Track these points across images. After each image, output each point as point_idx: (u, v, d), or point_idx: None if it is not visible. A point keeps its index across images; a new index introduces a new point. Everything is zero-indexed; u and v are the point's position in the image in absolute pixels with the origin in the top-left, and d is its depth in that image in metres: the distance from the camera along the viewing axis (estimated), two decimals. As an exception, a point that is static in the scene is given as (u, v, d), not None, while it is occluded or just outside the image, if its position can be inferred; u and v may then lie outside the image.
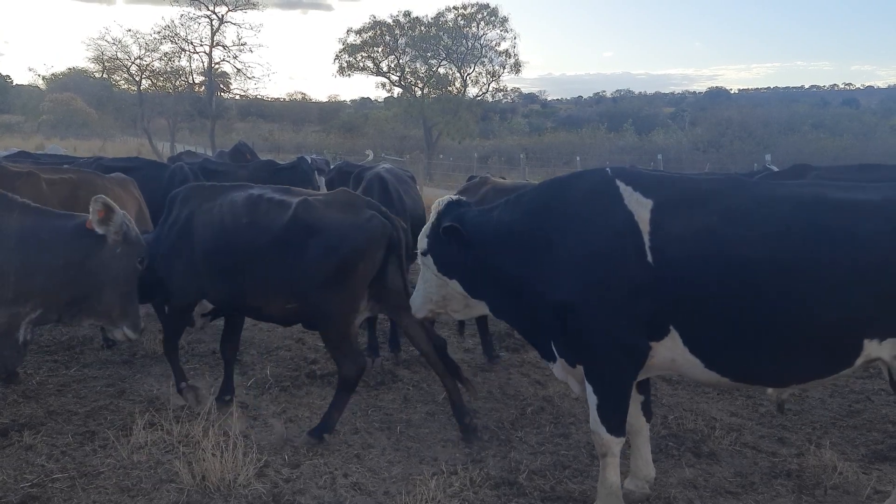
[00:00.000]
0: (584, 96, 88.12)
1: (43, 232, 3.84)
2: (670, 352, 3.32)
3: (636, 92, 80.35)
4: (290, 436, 4.57)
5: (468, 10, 36.16)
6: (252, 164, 11.14)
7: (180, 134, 37.38)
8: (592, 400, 3.48)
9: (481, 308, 3.91)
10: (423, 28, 36.39)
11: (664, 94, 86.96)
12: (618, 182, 3.38)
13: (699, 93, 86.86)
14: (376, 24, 37.05)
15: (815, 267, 3.04)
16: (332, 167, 12.50)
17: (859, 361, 3.17)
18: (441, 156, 34.66)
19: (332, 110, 61.62)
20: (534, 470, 4.15)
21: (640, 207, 3.28)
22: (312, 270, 4.31)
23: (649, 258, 3.21)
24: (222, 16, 32.36)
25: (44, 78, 45.73)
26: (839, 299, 3.05)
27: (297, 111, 61.83)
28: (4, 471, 3.95)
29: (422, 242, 3.87)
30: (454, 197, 3.94)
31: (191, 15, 32.13)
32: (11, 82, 69.72)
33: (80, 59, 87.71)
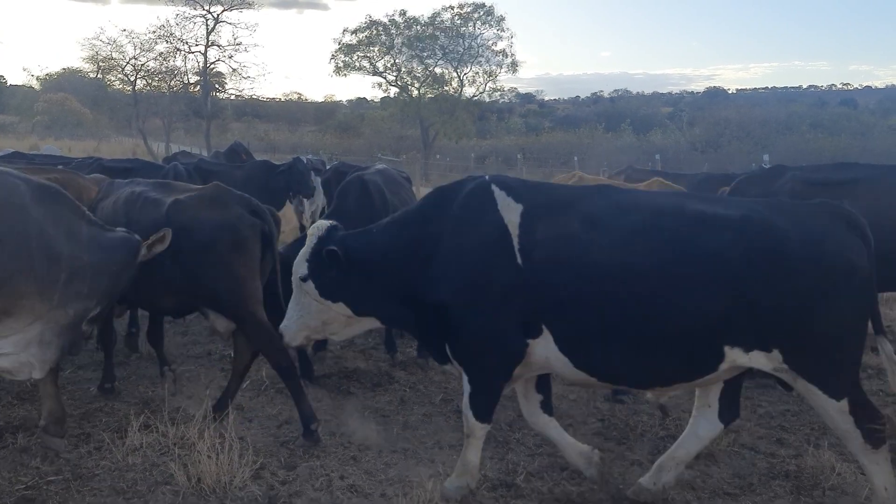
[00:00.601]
0: (582, 96, 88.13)
1: (103, 240, 4.08)
2: (545, 350, 3.49)
3: (634, 92, 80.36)
4: (286, 438, 4.55)
5: (464, 10, 36.18)
6: (248, 164, 11.10)
7: (175, 134, 37.30)
8: (467, 388, 3.71)
9: (362, 326, 4.04)
10: (419, 28, 36.38)
11: (662, 93, 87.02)
12: (493, 188, 3.57)
13: (697, 93, 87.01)
14: (372, 24, 37.06)
15: (663, 274, 3.22)
16: (328, 167, 12.51)
17: (723, 367, 3.32)
18: (438, 156, 34.68)
19: (328, 110, 61.50)
20: (531, 471, 4.14)
21: (511, 212, 3.48)
22: (189, 269, 4.42)
23: (519, 260, 3.40)
24: (217, 15, 32.36)
25: (38, 78, 45.58)
26: (687, 306, 3.21)
27: (293, 111, 61.74)
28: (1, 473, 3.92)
29: (301, 269, 3.82)
30: (332, 222, 3.96)
31: (186, 14, 32.14)
32: (5, 82, 69.56)
33: (74, 59, 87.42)
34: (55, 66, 66.02)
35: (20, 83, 60.68)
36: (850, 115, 42.34)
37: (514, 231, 3.43)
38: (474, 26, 36.09)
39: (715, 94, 78.88)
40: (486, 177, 3.73)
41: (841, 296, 3.24)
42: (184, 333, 6.74)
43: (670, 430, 4.74)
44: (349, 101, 67.89)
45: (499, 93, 39.62)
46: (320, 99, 72.35)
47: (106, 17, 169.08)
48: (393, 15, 36.97)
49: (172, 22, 32.69)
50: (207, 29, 32.46)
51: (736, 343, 3.25)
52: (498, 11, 36.31)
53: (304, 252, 3.84)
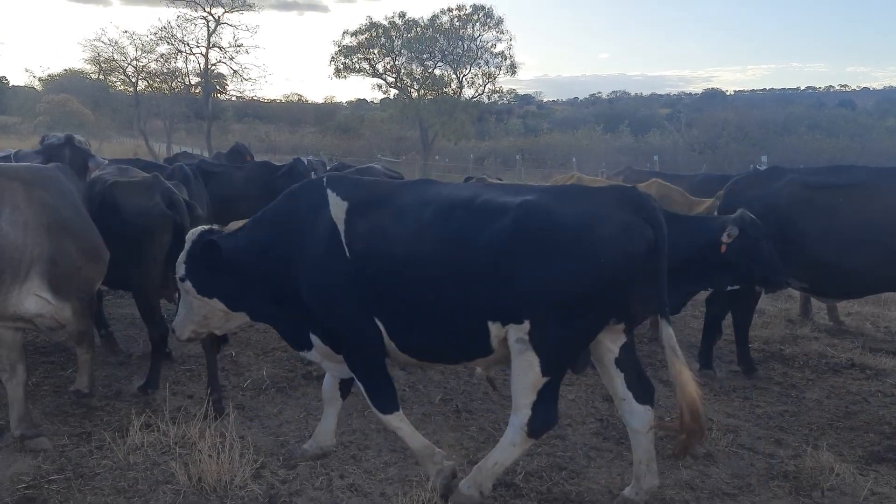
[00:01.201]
0: (580, 98, 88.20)
1: None
2: (385, 336, 3.72)
3: (632, 93, 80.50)
4: (287, 437, 4.57)
5: (463, 12, 36.19)
6: (248, 165, 11.11)
7: (177, 135, 37.32)
8: (359, 387, 3.95)
9: (239, 320, 4.28)
10: (418, 30, 36.39)
11: (660, 95, 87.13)
12: (327, 188, 3.85)
13: (695, 94, 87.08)
14: (372, 26, 37.06)
15: (445, 261, 3.48)
16: (328, 168, 12.53)
17: (495, 343, 3.52)
18: (437, 157, 34.70)
19: (328, 112, 61.46)
20: (530, 471, 4.15)
21: (339, 209, 3.75)
22: (112, 245, 4.69)
23: (347, 253, 3.66)
24: (219, 17, 32.36)
25: (40, 79, 45.48)
26: (465, 289, 3.45)
27: (294, 113, 61.70)
28: (0, 471, 3.93)
29: (180, 270, 4.15)
30: (205, 227, 4.28)
31: (187, 16, 32.15)
32: (7, 83, 69.59)
33: (76, 60, 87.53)
34: (57, 68, 65.99)
35: (22, 84, 60.75)
36: (848, 116, 42.43)
37: (341, 227, 3.71)
38: (473, 28, 36.15)
39: (713, 95, 78.96)
40: (324, 179, 4.00)
41: (604, 275, 3.35)
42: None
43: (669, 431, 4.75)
44: (349, 103, 67.95)
45: (497, 94, 39.67)
46: (320, 100, 72.34)
47: (107, 18, 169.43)
48: (393, 17, 37.05)
49: (174, 24, 32.77)
50: (209, 31, 32.51)
51: (498, 319, 3.45)
52: (497, 14, 36.36)
53: (182, 255, 4.17)
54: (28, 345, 5.82)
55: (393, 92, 39.45)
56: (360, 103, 63.56)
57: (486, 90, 38.21)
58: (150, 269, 5.11)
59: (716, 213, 6.18)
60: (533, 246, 3.37)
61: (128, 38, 31.94)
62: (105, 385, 5.37)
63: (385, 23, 36.90)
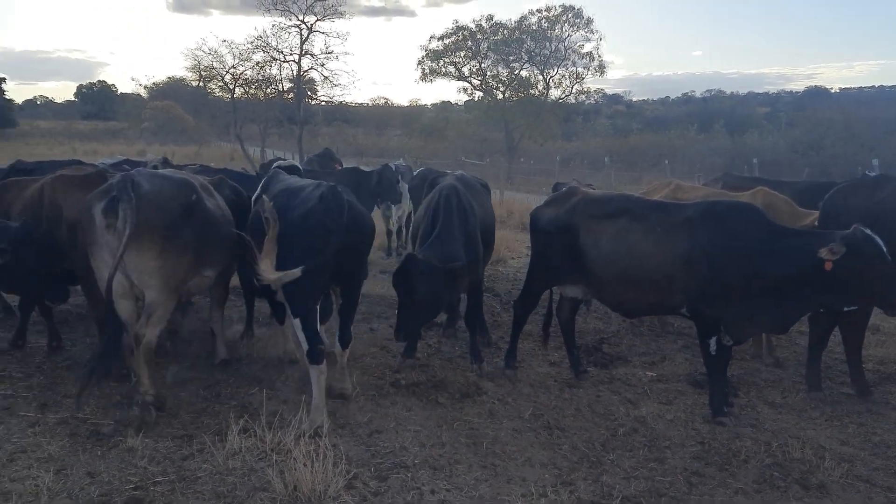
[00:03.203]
0: (672, 97, 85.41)
1: None
2: None
3: (728, 92, 77.03)
4: (377, 448, 4.59)
5: (552, 13, 35.74)
6: (339, 171, 11.39)
7: (270, 139, 38.61)
8: None
9: None
10: (505, 32, 36.20)
11: (758, 93, 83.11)
12: None
13: (796, 92, 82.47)
14: (459, 30, 37.15)
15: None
16: (415, 173, 12.63)
17: None
18: (522, 159, 34.37)
19: (413, 114, 62.21)
20: (627, 496, 4.00)
21: None
22: None
23: None
24: (311, 25, 33.11)
25: (145, 87, 48.23)
26: None
27: (380, 116, 62.78)
28: (109, 472, 4.12)
29: None
30: None
31: (282, 25, 33.07)
32: (116, 91, 74.26)
33: (178, 68, 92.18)
34: (161, 76, 69.71)
35: (129, 91, 64.64)
36: (971, 114, 39.19)
37: None
38: (562, 29, 35.62)
39: (816, 93, 74.57)
40: None
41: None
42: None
43: (777, 458, 4.48)
44: (434, 105, 68.42)
45: (585, 95, 38.94)
46: (406, 103, 73.32)
47: (208, 28, 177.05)
48: (480, 20, 37.03)
49: (269, 32, 33.83)
50: (301, 39, 33.29)
51: None
52: (586, 13, 35.67)
53: None
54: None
55: (478, 94, 39.45)
56: (445, 105, 63.93)
57: (574, 91, 37.61)
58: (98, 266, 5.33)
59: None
60: None
61: (226, 46, 33.27)
62: (205, 387, 5.55)
63: (472, 26, 36.97)
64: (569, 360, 6.28)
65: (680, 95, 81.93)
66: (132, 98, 55.01)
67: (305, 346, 4.84)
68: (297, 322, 4.87)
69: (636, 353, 6.95)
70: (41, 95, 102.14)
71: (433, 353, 6.64)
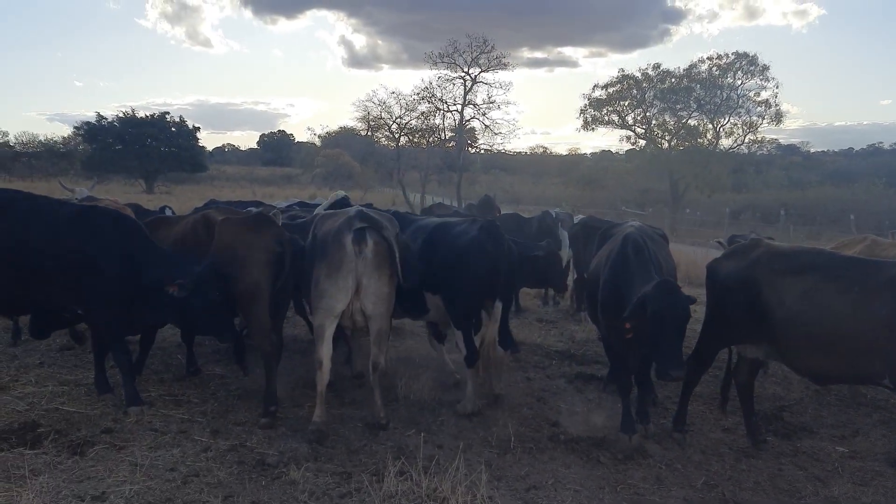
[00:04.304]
0: (856, 148, 78.39)
1: None
2: None
3: (921, 143, 69.38)
4: (535, 505, 4.36)
5: (724, 61, 34.30)
6: (499, 217, 11.46)
7: (430, 186, 39.94)
8: None
9: None
10: (673, 80, 35.20)
11: (955, 144, 74.14)
12: None
13: None
14: (624, 78, 36.66)
15: None
16: (576, 221, 12.40)
17: None
18: (687, 210, 32.89)
19: (571, 163, 61.92)
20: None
21: None
22: None
23: None
24: (475, 76, 34.16)
25: (319, 136, 52.13)
26: None
27: (538, 164, 63.18)
28: (272, 503, 4.22)
29: None
30: None
31: (447, 77, 34.39)
32: (293, 140, 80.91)
33: (349, 118, 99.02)
34: (333, 125, 74.98)
35: (304, 140, 70.17)
36: None
37: None
38: (734, 76, 34.02)
39: None
40: None
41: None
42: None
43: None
44: (592, 154, 67.71)
45: (758, 144, 36.73)
46: (564, 152, 73.22)
47: (378, 81, 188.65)
48: (646, 69, 36.34)
49: (434, 84, 35.25)
50: (465, 89, 34.41)
51: None
52: (761, 60, 33.84)
53: None
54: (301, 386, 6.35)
55: (641, 143, 38.46)
56: (605, 154, 63.01)
57: (746, 140, 35.61)
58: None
59: None
60: None
61: (394, 98, 34.91)
62: (366, 425, 5.59)
63: (638, 74, 36.36)
64: (745, 427, 5.71)
65: (865, 147, 75.18)
66: (307, 146, 59.76)
67: (464, 352, 5.84)
68: (458, 333, 5.86)
69: (823, 424, 6.20)
70: (229, 143, 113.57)
71: (594, 407, 6.30)
